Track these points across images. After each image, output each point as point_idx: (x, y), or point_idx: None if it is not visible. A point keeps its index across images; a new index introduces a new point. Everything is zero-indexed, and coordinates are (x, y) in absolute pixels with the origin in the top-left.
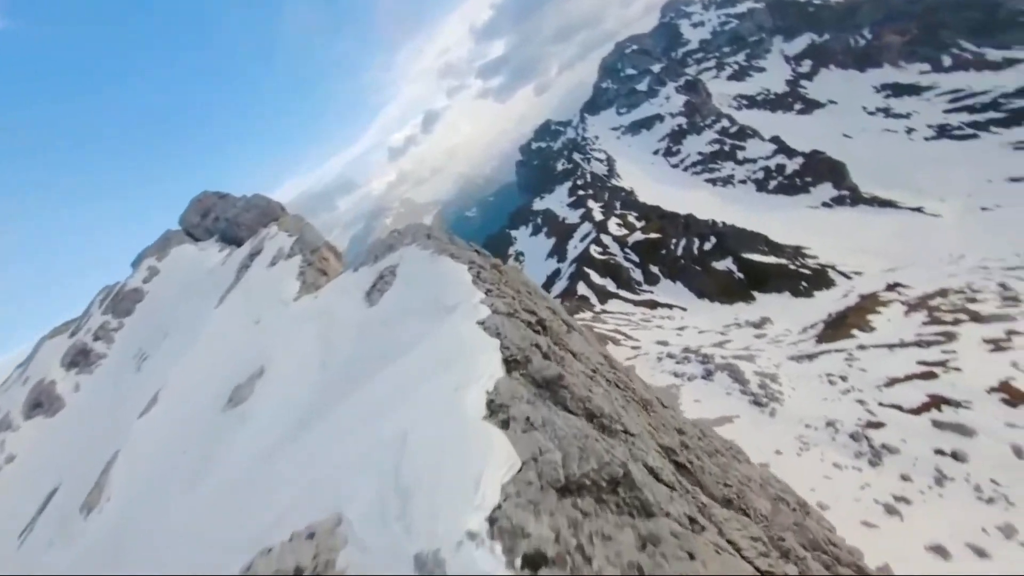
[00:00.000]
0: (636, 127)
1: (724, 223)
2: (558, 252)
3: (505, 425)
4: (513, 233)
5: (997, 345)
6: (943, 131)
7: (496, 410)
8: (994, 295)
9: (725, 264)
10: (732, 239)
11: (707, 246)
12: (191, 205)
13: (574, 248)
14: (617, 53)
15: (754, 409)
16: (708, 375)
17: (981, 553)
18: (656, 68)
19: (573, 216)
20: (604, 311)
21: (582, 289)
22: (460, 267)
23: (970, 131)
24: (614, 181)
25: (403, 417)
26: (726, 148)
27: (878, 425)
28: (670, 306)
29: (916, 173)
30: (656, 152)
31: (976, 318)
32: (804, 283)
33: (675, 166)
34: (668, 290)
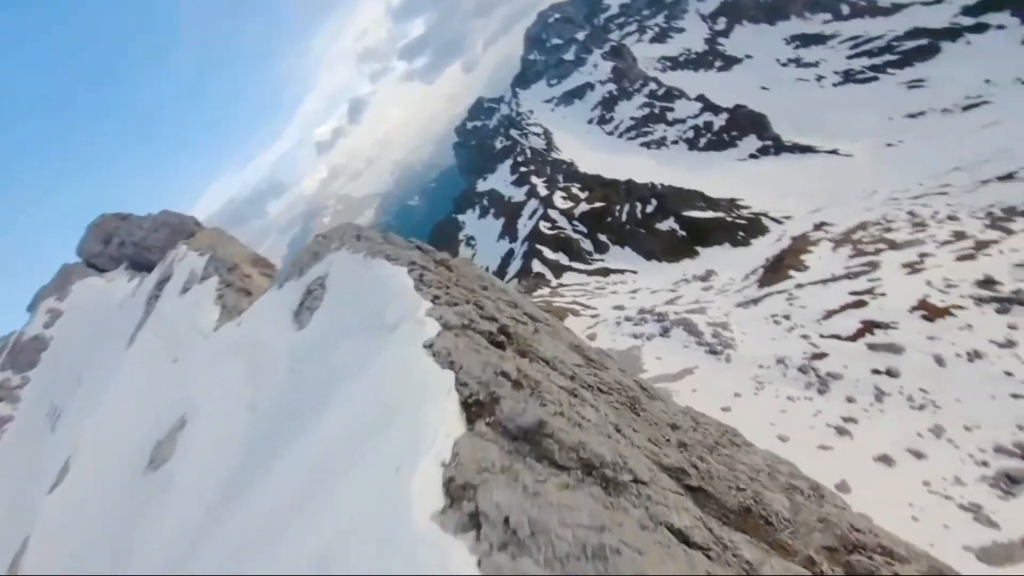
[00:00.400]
0: (568, 97)
1: (662, 185)
2: (509, 232)
3: (474, 523)
4: (461, 218)
5: (913, 268)
6: (848, 76)
7: (458, 496)
8: (905, 223)
9: (668, 224)
10: (671, 199)
11: (649, 209)
12: (89, 232)
13: (524, 226)
14: (540, 23)
15: (711, 358)
16: (665, 332)
17: (919, 455)
18: (580, 36)
19: (518, 194)
20: (561, 285)
21: (537, 267)
22: (399, 271)
23: (871, 74)
24: (554, 154)
25: (325, 522)
26: (656, 111)
27: (822, 355)
28: (622, 271)
29: (828, 118)
30: (590, 121)
31: (893, 246)
32: (741, 233)
33: (610, 133)
34: (618, 256)
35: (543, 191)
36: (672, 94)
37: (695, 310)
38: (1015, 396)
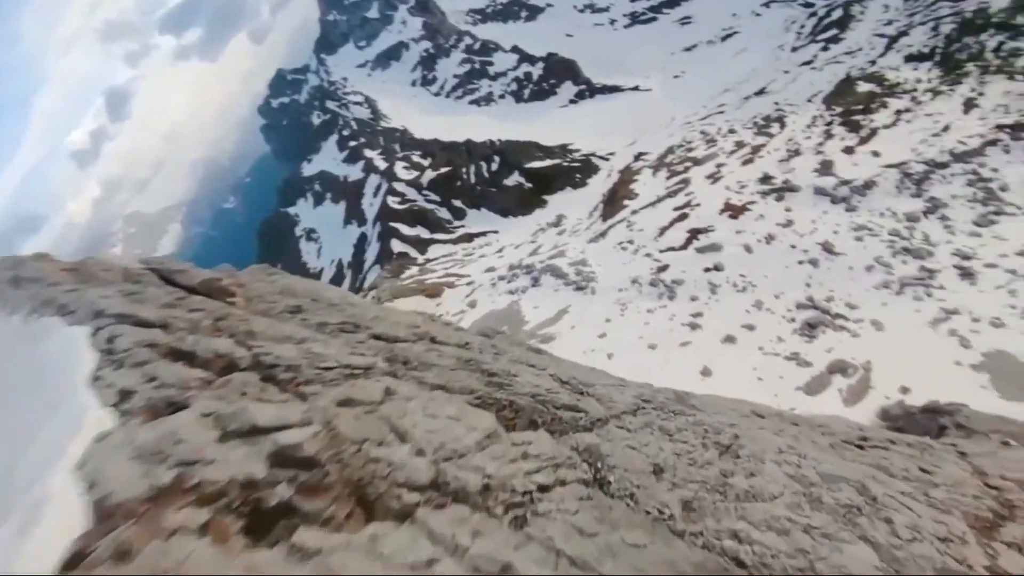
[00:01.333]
0: (383, 60)
1: (500, 140)
2: (355, 216)
3: None
4: (292, 211)
5: (714, 178)
6: (634, 18)
7: None
8: (700, 141)
9: (514, 179)
10: (512, 153)
11: (493, 166)
12: None
13: (370, 206)
14: None
15: (579, 295)
16: (536, 282)
17: (751, 327)
18: None
19: (354, 172)
20: (429, 260)
21: (397, 246)
22: (75, 338)
23: (651, 14)
24: (383, 123)
25: None
26: (477, 66)
27: (664, 268)
28: (484, 233)
29: (626, 58)
30: (413, 83)
31: (696, 162)
32: (578, 175)
33: (437, 94)
34: (476, 219)
35: (381, 164)
36: (488, 47)
37: (556, 255)
38: (799, 262)
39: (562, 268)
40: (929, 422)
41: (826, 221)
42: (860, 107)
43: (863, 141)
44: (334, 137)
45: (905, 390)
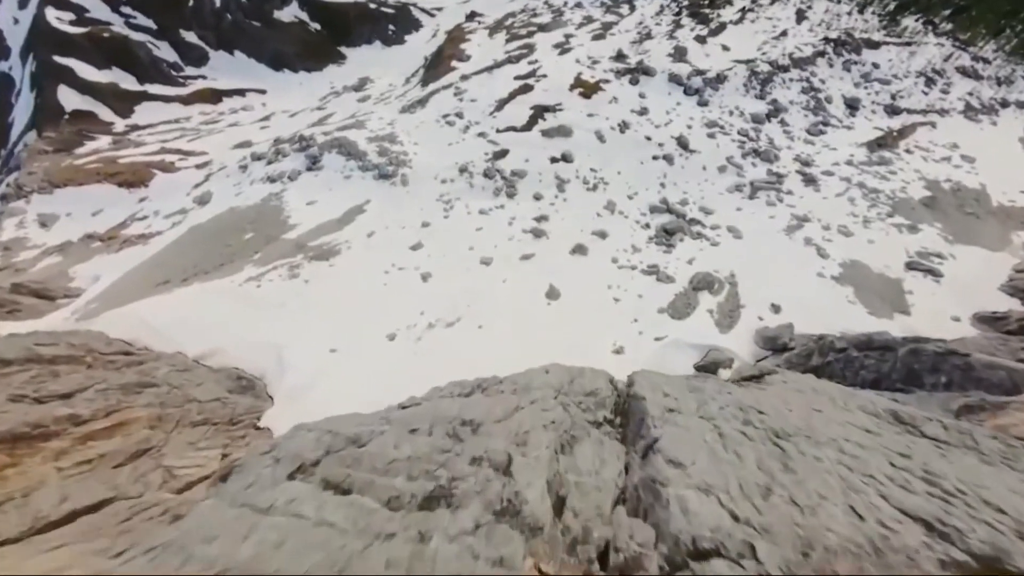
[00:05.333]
0: None
1: None
2: None
3: None
4: None
5: (562, 48)
6: None
7: None
8: (545, 9)
9: (292, 13)
10: None
11: None
12: None
13: (15, 27)
14: None
15: (383, 184)
16: (314, 163)
17: (603, 235)
18: None
19: None
20: (135, 127)
21: (73, 101)
22: None
23: None
24: None
25: None
26: None
27: (503, 153)
28: (242, 92)
29: None
30: None
31: (542, 28)
32: (392, 27)
33: None
34: (228, 67)
35: None
36: None
37: (351, 126)
38: (654, 157)
39: (358, 144)
40: (881, 362)
41: (680, 113)
42: (706, 1)
43: (713, 33)
44: None
45: (776, 308)
